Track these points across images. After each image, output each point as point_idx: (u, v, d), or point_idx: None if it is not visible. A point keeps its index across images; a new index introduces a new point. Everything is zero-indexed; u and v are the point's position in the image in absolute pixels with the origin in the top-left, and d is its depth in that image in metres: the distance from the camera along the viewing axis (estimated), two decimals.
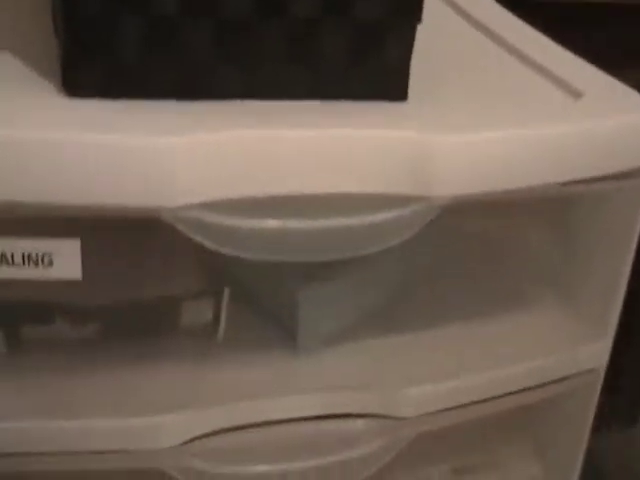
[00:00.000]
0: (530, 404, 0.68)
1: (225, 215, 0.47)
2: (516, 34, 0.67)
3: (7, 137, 0.43)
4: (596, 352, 0.66)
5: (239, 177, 0.47)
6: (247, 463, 0.53)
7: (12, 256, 0.46)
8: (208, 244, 0.46)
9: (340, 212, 0.49)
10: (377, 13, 0.51)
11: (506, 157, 0.53)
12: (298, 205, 0.48)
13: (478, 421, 0.68)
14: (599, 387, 0.67)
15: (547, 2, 0.86)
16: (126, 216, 0.45)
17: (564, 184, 0.56)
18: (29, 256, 0.46)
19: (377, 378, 0.58)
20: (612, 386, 0.70)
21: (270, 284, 0.58)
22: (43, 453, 0.50)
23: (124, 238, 0.50)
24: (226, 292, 0.52)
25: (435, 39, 0.60)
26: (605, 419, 0.74)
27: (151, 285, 0.51)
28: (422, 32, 0.52)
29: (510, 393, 0.62)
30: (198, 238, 0.46)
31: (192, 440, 0.52)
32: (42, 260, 0.46)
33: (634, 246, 0.62)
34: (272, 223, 0.47)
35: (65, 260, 0.46)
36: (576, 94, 0.59)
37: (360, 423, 0.57)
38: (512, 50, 0.65)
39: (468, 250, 0.67)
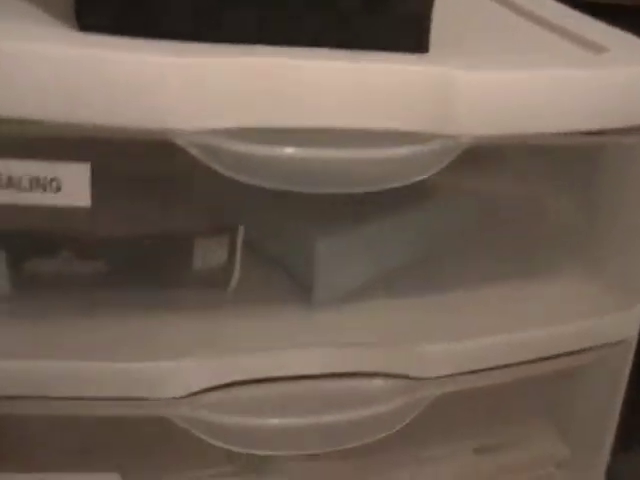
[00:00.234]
0: (556, 379, 0.66)
1: (241, 142, 0.45)
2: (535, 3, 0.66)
3: (20, 52, 0.42)
4: (625, 322, 0.63)
5: (257, 106, 0.46)
6: (258, 416, 0.51)
7: (19, 180, 0.44)
8: (223, 170, 0.45)
9: (359, 145, 0.47)
10: None
11: (532, 99, 0.52)
12: (317, 137, 0.47)
13: (500, 395, 0.66)
14: (629, 361, 0.65)
15: None
16: (138, 138, 0.44)
17: (587, 133, 0.54)
18: (37, 180, 0.44)
19: (396, 336, 0.56)
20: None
21: (287, 234, 0.56)
22: (43, 397, 0.48)
23: (136, 167, 0.48)
24: (241, 230, 0.50)
25: (454, 8, 0.60)
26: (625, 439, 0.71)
27: (163, 219, 0.49)
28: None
29: (533, 360, 0.60)
30: (213, 164, 0.45)
31: (201, 391, 0.51)
32: (50, 185, 0.44)
33: None
34: (290, 151, 0.46)
35: (74, 186, 0.45)
36: (600, 49, 0.57)
37: (377, 382, 0.55)
38: (532, 17, 0.64)
39: (493, 217, 0.65)
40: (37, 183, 0.44)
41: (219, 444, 0.50)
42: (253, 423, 0.51)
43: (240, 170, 0.45)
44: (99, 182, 0.45)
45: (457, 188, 0.64)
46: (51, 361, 0.48)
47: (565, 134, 0.53)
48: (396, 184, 0.48)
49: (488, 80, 0.50)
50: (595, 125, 0.54)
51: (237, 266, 0.51)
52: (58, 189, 0.45)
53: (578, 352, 0.61)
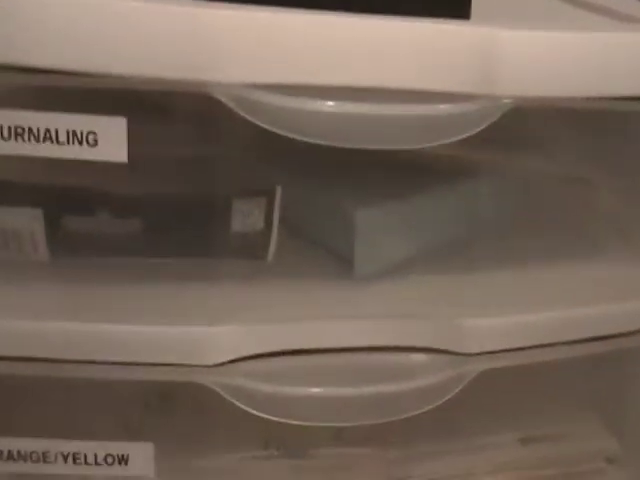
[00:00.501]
0: (605, 370, 0.64)
1: (280, 95, 0.44)
2: None
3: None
4: None
5: (301, 63, 0.45)
6: (297, 385, 0.50)
7: (56, 132, 0.44)
8: (260, 122, 0.44)
9: (398, 101, 0.46)
10: None
11: (576, 61, 0.50)
12: (356, 94, 0.46)
13: (547, 385, 0.64)
14: None
15: None
16: (177, 91, 0.43)
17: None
18: (74, 133, 0.44)
19: (439, 310, 0.54)
20: None
21: (326, 207, 0.55)
22: (79, 360, 0.47)
23: (174, 123, 0.48)
24: (278, 192, 0.49)
25: None
26: None
27: (200, 178, 0.48)
28: None
29: (578, 340, 0.57)
30: (250, 117, 0.44)
31: (240, 359, 0.49)
32: (87, 139, 0.44)
33: None
34: (329, 104, 0.45)
35: (111, 140, 0.44)
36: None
37: (419, 356, 0.53)
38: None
39: (537, 197, 0.64)
40: (74, 136, 0.44)
41: (257, 413, 0.49)
42: (292, 392, 0.49)
43: (279, 123, 0.45)
44: (136, 138, 0.44)
45: (501, 167, 0.62)
46: (88, 324, 0.47)
47: (611, 99, 0.52)
48: (435, 143, 0.47)
49: (532, 40, 0.49)
50: None
51: (275, 231, 0.50)
52: (95, 143, 0.44)
53: (625, 334, 0.59)
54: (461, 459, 0.62)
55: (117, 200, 0.47)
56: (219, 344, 0.49)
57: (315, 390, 0.50)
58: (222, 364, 0.49)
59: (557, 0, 0.63)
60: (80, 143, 0.44)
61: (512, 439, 0.65)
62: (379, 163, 0.56)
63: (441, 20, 0.48)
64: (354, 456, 0.60)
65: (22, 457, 0.48)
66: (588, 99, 0.51)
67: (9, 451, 0.48)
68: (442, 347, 0.54)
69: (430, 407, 0.52)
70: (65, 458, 0.49)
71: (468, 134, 0.49)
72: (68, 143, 0.44)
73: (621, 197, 0.65)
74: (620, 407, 0.67)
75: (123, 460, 0.49)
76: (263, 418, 0.52)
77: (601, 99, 0.52)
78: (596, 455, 0.67)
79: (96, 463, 0.49)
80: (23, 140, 0.44)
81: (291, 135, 0.44)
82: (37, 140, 0.44)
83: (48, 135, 0.44)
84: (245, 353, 0.50)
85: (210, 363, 0.49)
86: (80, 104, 0.44)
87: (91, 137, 0.44)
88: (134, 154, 0.44)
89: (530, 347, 0.56)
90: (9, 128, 0.43)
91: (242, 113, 0.44)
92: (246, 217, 0.49)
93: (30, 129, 0.44)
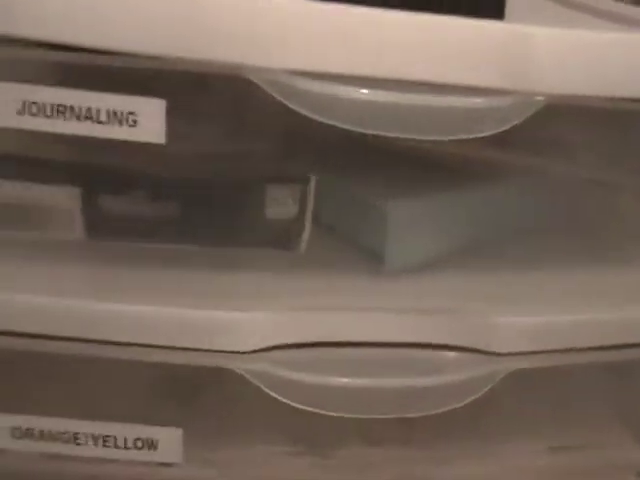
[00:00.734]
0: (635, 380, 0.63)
1: (315, 81, 0.45)
2: None
3: None
4: None
5: (337, 53, 0.46)
6: (326, 375, 0.50)
7: (98, 112, 0.45)
8: (298, 108, 0.45)
9: (433, 93, 0.47)
10: None
11: (610, 61, 0.51)
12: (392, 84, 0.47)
13: (577, 394, 0.64)
14: None
15: None
16: (214, 73, 0.44)
17: None
18: (114, 113, 0.45)
19: (470, 308, 0.54)
20: None
21: (359, 199, 0.56)
22: (109, 341, 0.47)
23: (212, 106, 0.48)
24: (312, 181, 0.49)
25: None
26: None
27: (235, 162, 0.49)
28: None
29: (608, 346, 0.57)
30: (285, 100, 0.45)
31: (272, 348, 0.50)
32: (126, 120, 0.45)
33: None
34: (364, 92, 0.46)
35: (150, 122, 0.45)
36: None
37: (449, 353, 0.53)
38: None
39: (565, 201, 0.64)
40: (114, 116, 0.45)
41: (284, 400, 0.49)
42: (320, 381, 0.49)
43: (315, 109, 0.45)
44: (175, 120, 0.45)
45: (528, 169, 0.63)
46: (120, 305, 0.48)
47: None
48: (467, 135, 0.48)
49: (566, 39, 0.50)
50: None
51: (309, 220, 0.51)
52: (134, 124, 0.45)
53: None
54: (488, 464, 0.62)
55: (154, 182, 0.48)
56: (250, 331, 0.49)
57: (342, 380, 0.50)
58: (252, 352, 0.49)
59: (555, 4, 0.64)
60: (120, 123, 0.45)
61: (541, 447, 0.64)
62: (412, 160, 0.57)
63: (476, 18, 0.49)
64: (380, 456, 0.59)
65: (53, 437, 0.49)
66: (619, 99, 0.52)
67: (41, 430, 0.49)
68: (472, 345, 0.54)
69: (456, 405, 0.52)
70: (95, 440, 0.49)
71: (500, 129, 0.49)
72: (108, 123, 0.45)
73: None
74: None
75: (152, 445, 0.49)
76: (292, 413, 0.53)
77: (633, 100, 0.52)
78: (626, 468, 0.67)
79: (125, 447, 0.49)
80: (65, 118, 0.45)
81: (325, 120, 0.45)
82: (78, 119, 0.45)
83: (89, 114, 0.45)
84: (276, 342, 0.50)
85: (240, 349, 0.49)
86: (121, 86, 0.45)
87: (131, 118, 0.45)
88: (172, 136, 0.45)
89: (560, 350, 0.56)
90: (52, 106, 0.44)
91: (277, 96, 0.45)
92: (280, 205, 0.49)
93: (72, 107, 0.45)
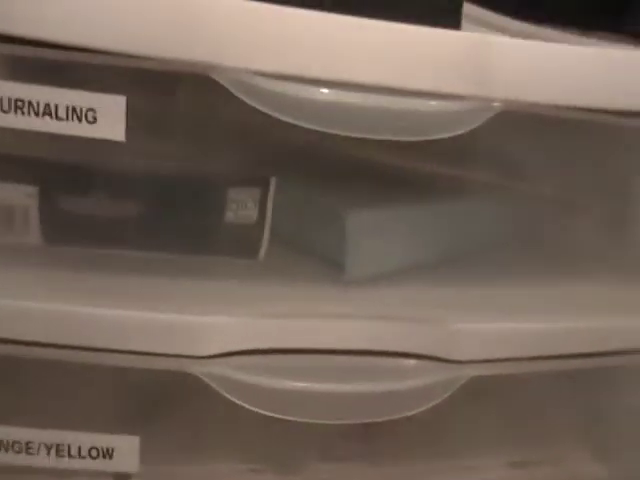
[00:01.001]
0: (593, 393, 0.64)
1: (276, 81, 0.45)
2: None
3: None
4: None
5: (300, 56, 0.46)
6: (285, 379, 0.49)
7: (56, 108, 0.44)
8: (260, 107, 0.45)
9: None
10: None
11: (564, 70, 0.52)
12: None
13: (536, 409, 0.64)
14: None
15: None
16: (178, 71, 0.44)
17: (622, 113, 0.54)
18: (73, 109, 0.44)
19: (430, 316, 0.54)
20: None
21: (318, 208, 0.56)
22: (71, 345, 0.46)
23: (174, 105, 0.48)
24: (273, 183, 0.49)
25: None
26: None
27: (196, 162, 0.48)
28: None
29: (566, 355, 0.57)
30: (250, 101, 0.45)
31: (231, 354, 0.49)
32: (86, 116, 0.44)
33: None
34: (324, 92, 0.46)
35: (110, 118, 0.44)
36: None
37: (407, 361, 0.53)
38: None
39: (528, 217, 0.65)
40: (73, 112, 0.44)
41: (245, 405, 0.48)
42: (279, 385, 0.49)
43: (275, 108, 0.45)
44: (135, 117, 0.45)
45: (491, 186, 0.63)
46: (79, 308, 0.46)
47: (599, 111, 0.53)
48: (422, 137, 0.48)
49: (522, 47, 0.51)
50: (632, 106, 0.54)
51: (268, 225, 0.50)
52: (94, 120, 0.44)
53: (609, 353, 0.59)
54: (449, 479, 0.61)
55: (113, 180, 0.47)
56: (211, 335, 0.48)
57: (301, 385, 0.49)
58: (213, 356, 0.48)
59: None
60: (79, 120, 0.44)
61: (502, 462, 0.64)
62: (374, 171, 0.57)
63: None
64: (341, 472, 0.59)
65: (4, 446, 0.47)
66: (574, 109, 0.52)
67: None
68: (432, 353, 0.53)
69: (416, 411, 0.52)
70: (48, 449, 0.47)
71: (457, 132, 0.50)
72: (67, 119, 0.44)
73: (604, 220, 0.66)
74: (609, 433, 0.66)
75: (108, 454, 0.48)
76: (253, 426, 0.52)
77: (586, 110, 0.53)
78: None
79: (80, 456, 0.48)
80: (22, 114, 0.44)
81: (283, 118, 0.45)
82: (37, 114, 0.44)
83: (48, 110, 0.44)
84: (237, 347, 0.49)
85: (200, 354, 0.48)
86: (81, 82, 0.44)
87: (90, 114, 0.44)
88: (132, 133, 0.45)
89: (519, 358, 0.56)
90: (9, 100, 0.44)
91: (240, 95, 0.45)
92: (240, 208, 0.49)
93: (30, 102, 0.44)
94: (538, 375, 0.58)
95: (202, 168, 0.49)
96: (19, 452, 0.47)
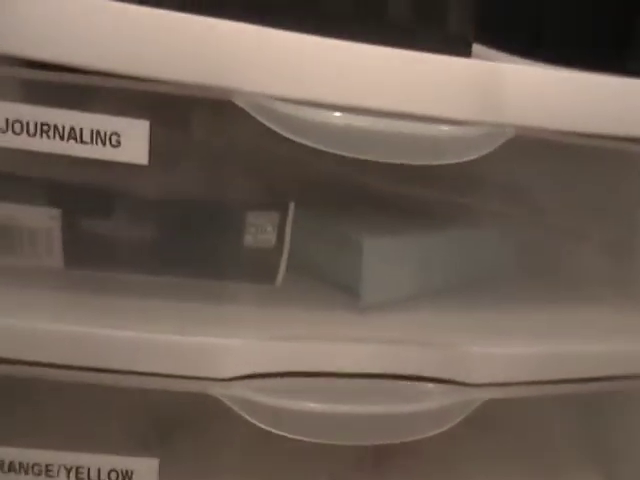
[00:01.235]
0: (600, 419, 0.64)
1: (293, 105, 0.46)
2: None
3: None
4: None
5: (318, 82, 0.47)
6: (303, 401, 0.49)
7: (81, 132, 0.45)
8: (279, 130, 0.45)
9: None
10: None
11: (575, 98, 0.53)
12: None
13: (542, 435, 0.64)
14: None
15: None
16: (199, 95, 0.45)
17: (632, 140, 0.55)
18: (97, 133, 0.45)
19: (444, 340, 0.54)
20: None
21: (335, 234, 0.56)
22: (89, 367, 0.46)
23: (194, 129, 0.49)
24: (291, 208, 0.50)
25: None
26: None
27: (216, 187, 0.49)
28: None
29: (577, 380, 0.58)
30: (270, 124, 0.45)
31: (251, 376, 0.49)
32: (110, 140, 0.45)
33: None
34: (338, 116, 0.47)
35: (133, 142, 0.45)
36: None
37: (424, 385, 0.53)
38: None
39: (536, 245, 0.65)
40: (97, 136, 0.45)
41: (264, 427, 0.48)
42: (297, 407, 0.49)
43: (294, 131, 0.46)
44: (157, 141, 0.45)
45: (501, 214, 0.64)
46: (100, 330, 0.47)
47: (609, 137, 0.54)
48: (436, 162, 0.49)
49: (534, 75, 0.52)
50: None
51: (286, 250, 0.51)
52: (117, 144, 0.45)
53: (624, 377, 0.60)
54: None
55: (134, 203, 0.48)
56: (231, 358, 0.49)
57: (319, 407, 0.49)
58: (232, 378, 0.49)
59: None
60: (103, 143, 0.45)
61: None
62: (390, 200, 0.58)
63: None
64: None
65: (24, 469, 0.47)
66: (583, 135, 0.54)
67: (10, 462, 0.47)
68: (447, 376, 0.54)
69: (431, 433, 0.52)
70: (68, 472, 0.47)
71: (470, 157, 0.50)
72: (92, 143, 0.45)
73: (610, 246, 0.67)
74: (618, 461, 0.67)
75: (127, 476, 0.48)
76: (269, 453, 0.52)
77: (597, 136, 0.54)
78: None
79: (99, 479, 0.48)
80: (48, 137, 0.45)
81: (301, 141, 0.46)
82: (62, 138, 0.45)
83: (73, 134, 0.45)
84: (256, 370, 0.49)
85: (220, 376, 0.48)
86: (106, 106, 0.45)
87: (114, 138, 0.45)
88: (154, 157, 0.45)
89: (532, 382, 0.56)
90: (35, 124, 0.44)
91: (259, 118, 0.45)
92: (259, 232, 0.50)
93: (56, 126, 0.45)
94: (551, 399, 0.59)
95: (221, 192, 0.50)
96: (39, 474, 0.47)
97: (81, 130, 0.45)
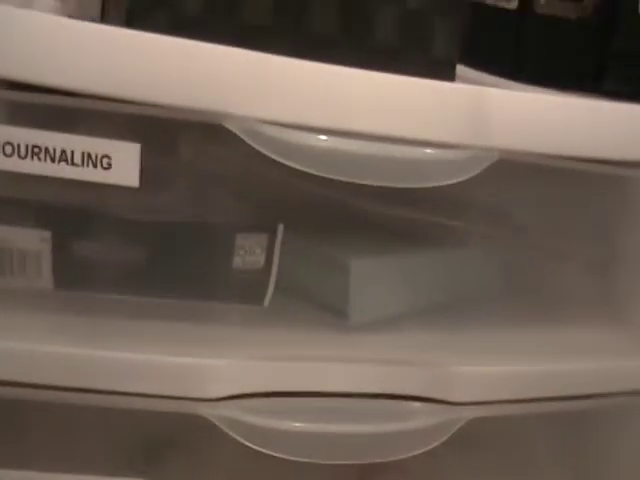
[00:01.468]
0: (585, 439, 0.65)
1: (281, 129, 0.47)
2: None
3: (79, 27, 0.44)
4: None
5: (305, 106, 0.48)
6: (294, 421, 0.50)
7: (72, 154, 0.45)
8: (269, 154, 0.46)
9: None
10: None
11: (558, 122, 0.54)
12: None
13: (529, 456, 0.65)
14: None
15: None
16: (191, 119, 0.45)
17: (620, 163, 0.56)
18: (88, 156, 0.45)
19: (429, 359, 0.55)
20: None
21: (322, 255, 0.57)
22: (78, 388, 0.47)
23: (184, 153, 0.49)
24: (280, 230, 0.50)
25: None
26: None
27: (206, 210, 0.49)
28: None
29: (561, 398, 0.59)
30: (259, 148, 0.46)
31: (239, 396, 0.50)
32: (101, 162, 0.45)
33: None
34: (323, 139, 0.48)
35: (124, 165, 0.46)
36: None
37: (409, 404, 0.54)
38: None
39: (520, 265, 0.66)
40: (89, 159, 0.45)
41: (255, 447, 0.48)
42: (287, 428, 0.49)
43: (282, 155, 0.47)
44: (148, 164, 0.46)
45: (485, 235, 0.65)
46: (89, 351, 0.47)
47: (591, 160, 0.55)
48: (422, 185, 0.50)
49: (519, 99, 0.53)
50: (627, 156, 0.56)
51: (274, 271, 0.51)
52: (108, 167, 0.46)
53: (601, 395, 0.61)
54: None
55: (125, 226, 0.48)
56: (219, 378, 0.49)
57: (308, 426, 0.50)
58: (221, 399, 0.49)
59: None
60: (94, 166, 0.45)
61: None
62: (376, 222, 0.59)
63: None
64: None
65: None
66: (568, 158, 0.54)
67: None
68: (433, 395, 0.54)
69: (417, 452, 0.52)
70: None
71: (456, 180, 0.51)
72: (82, 165, 0.45)
73: (591, 266, 0.68)
74: (601, 479, 0.67)
75: None
76: (254, 472, 0.52)
77: (581, 160, 0.55)
78: None
79: None
80: (39, 159, 0.45)
81: (288, 163, 0.46)
82: (53, 160, 0.45)
83: (64, 156, 0.45)
84: (244, 390, 0.50)
85: (209, 397, 0.49)
86: (96, 129, 0.46)
87: (105, 160, 0.46)
88: (145, 180, 0.46)
89: (515, 400, 0.57)
90: (26, 146, 0.45)
91: (249, 141, 0.46)
92: (248, 254, 0.50)
93: (47, 149, 0.45)
94: (535, 417, 0.59)
95: (211, 214, 0.50)
96: None
97: (72, 152, 0.45)
